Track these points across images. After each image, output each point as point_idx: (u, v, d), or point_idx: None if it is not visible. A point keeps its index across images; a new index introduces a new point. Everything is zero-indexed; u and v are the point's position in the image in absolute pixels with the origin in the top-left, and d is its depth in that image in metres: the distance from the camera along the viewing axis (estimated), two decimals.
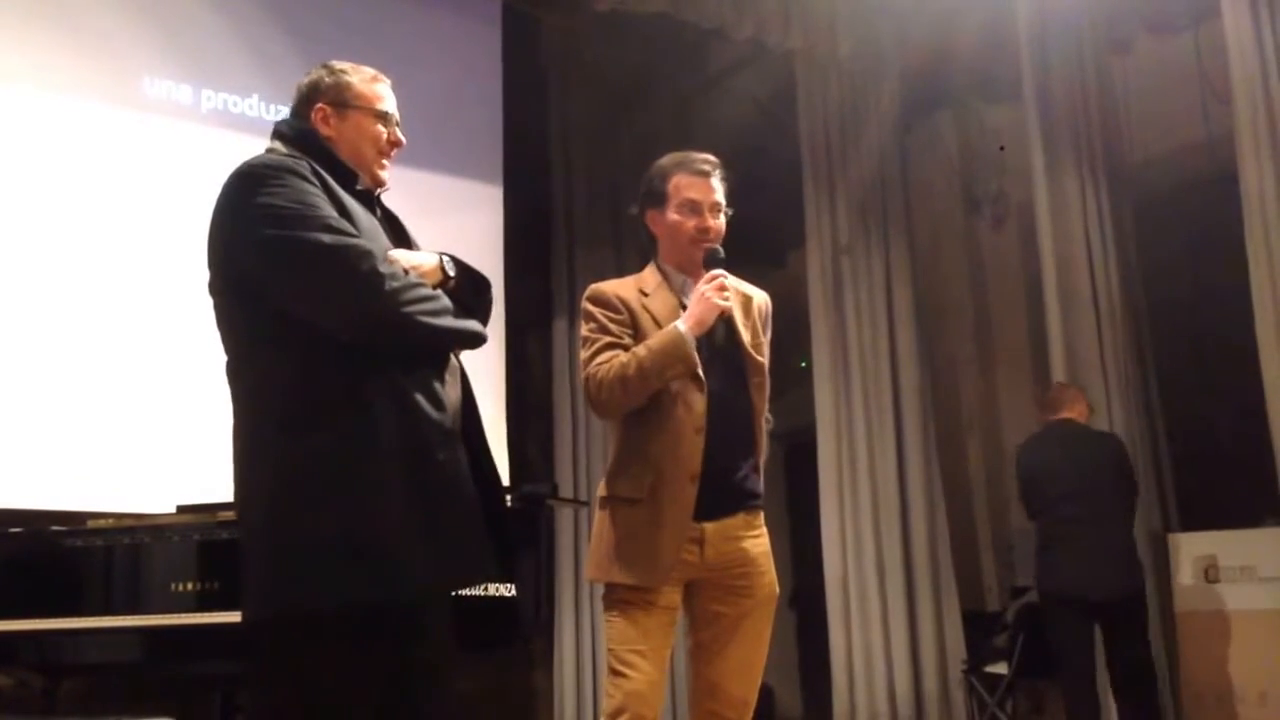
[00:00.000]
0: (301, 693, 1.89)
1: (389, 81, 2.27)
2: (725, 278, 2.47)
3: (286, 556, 1.90)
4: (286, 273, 1.95)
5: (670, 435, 2.45)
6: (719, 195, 2.56)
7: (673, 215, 2.56)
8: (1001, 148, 5.46)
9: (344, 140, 2.17)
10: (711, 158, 2.59)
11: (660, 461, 2.45)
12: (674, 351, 2.41)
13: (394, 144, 2.22)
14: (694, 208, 2.54)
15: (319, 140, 2.15)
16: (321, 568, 1.87)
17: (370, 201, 2.18)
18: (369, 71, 2.25)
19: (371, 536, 1.89)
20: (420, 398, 1.99)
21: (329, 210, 1.99)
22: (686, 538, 2.43)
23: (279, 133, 2.19)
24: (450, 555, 1.97)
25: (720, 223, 2.56)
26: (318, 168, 2.06)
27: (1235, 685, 4.93)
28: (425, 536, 1.93)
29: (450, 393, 2.08)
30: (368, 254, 1.95)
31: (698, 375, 2.47)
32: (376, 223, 2.14)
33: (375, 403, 1.94)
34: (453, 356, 2.15)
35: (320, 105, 2.17)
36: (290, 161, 2.04)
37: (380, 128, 2.20)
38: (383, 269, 1.95)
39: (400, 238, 2.21)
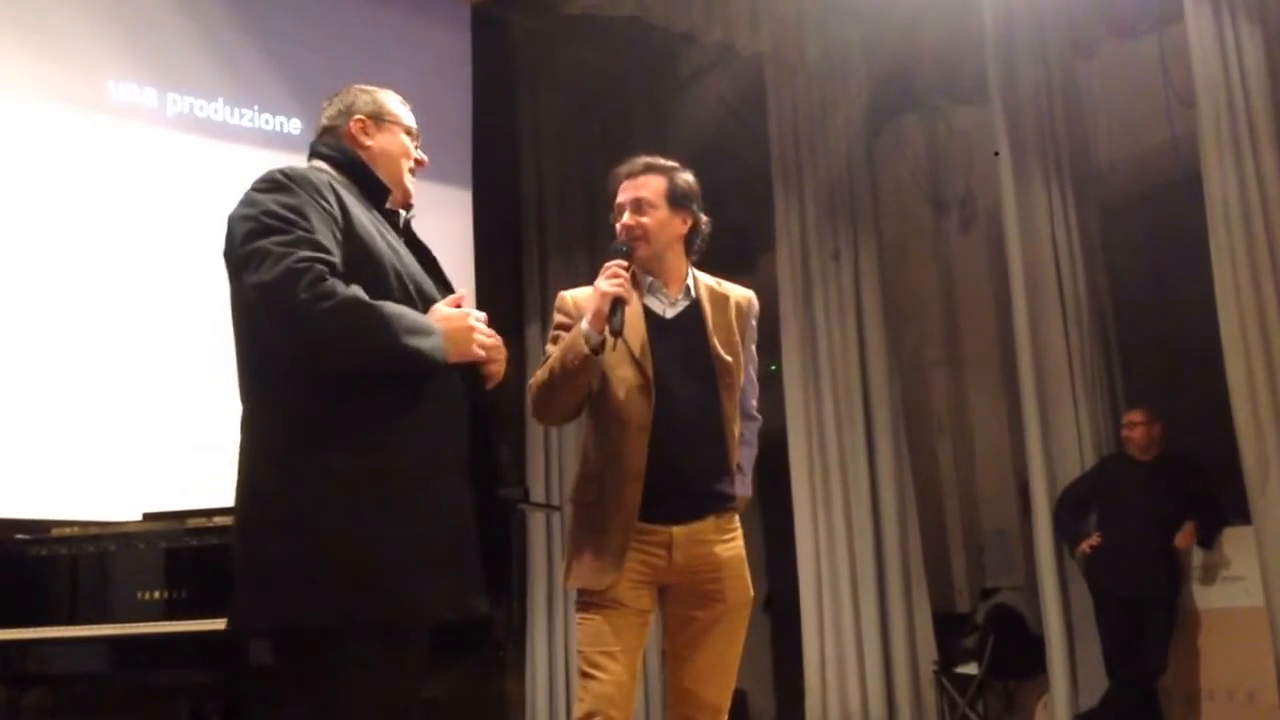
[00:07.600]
0: (319, 711, 1.87)
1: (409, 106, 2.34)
2: (623, 267, 2.45)
3: (288, 571, 1.87)
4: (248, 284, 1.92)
5: (613, 436, 2.47)
6: (644, 192, 2.56)
7: (615, 218, 2.62)
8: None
9: (382, 152, 2.21)
10: (649, 159, 2.62)
11: (605, 462, 2.48)
12: (570, 346, 2.44)
13: (419, 163, 2.29)
14: (620, 209, 2.60)
15: (355, 156, 2.18)
16: (325, 585, 1.85)
17: (395, 222, 2.17)
18: (395, 95, 2.31)
19: (374, 558, 1.87)
20: (414, 420, 1.94)
21: (316, 223, 1.93)
22: (633, 538, 2.42)
23: (316, 152, 2.19)
24: (442, 584, 1.95)
25: (645, 220, 2.54)
26: (338, 184, 2.05)
27: (1206, 684, 4.98)
28: (425, 564, 1.92)
29: (447, 413, 2.03)
30: (307, 271, 1.86)
31: (645, 374, 2.48)
32: (400, 243, 2.12)
33: (389, 421, 1.92)
34: (458, 378, 2.06)
35: (359, 117, 2.21)
36: (311, 174, 2.04)
37: (409, 143, 2.26)
38: (321, 288, 1.85)
39: (429, 267, 2.18)
